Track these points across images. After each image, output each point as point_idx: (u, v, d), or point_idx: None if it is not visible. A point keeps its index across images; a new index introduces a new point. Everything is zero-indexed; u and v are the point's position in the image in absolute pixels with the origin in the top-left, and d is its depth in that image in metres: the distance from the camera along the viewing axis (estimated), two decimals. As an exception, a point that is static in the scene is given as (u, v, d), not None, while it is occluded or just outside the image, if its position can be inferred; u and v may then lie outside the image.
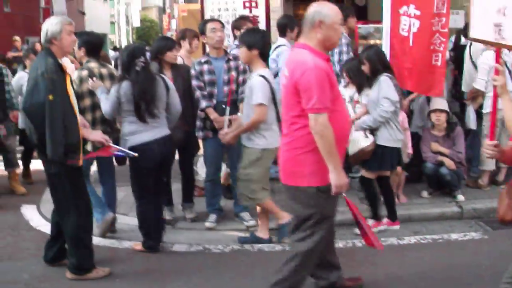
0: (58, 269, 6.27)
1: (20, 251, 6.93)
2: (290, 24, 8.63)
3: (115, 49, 22.17)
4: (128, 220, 7.81)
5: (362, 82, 7.58)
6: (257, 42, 6.53)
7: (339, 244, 6.89)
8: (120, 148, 6.33)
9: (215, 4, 9.66)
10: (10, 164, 9.45)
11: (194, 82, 7.25)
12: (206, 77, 7.21)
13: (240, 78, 7.28)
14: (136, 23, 38.26)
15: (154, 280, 6.07)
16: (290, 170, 4.87)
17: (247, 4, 9.61)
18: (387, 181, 7.30)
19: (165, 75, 7.20)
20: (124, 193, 8.37)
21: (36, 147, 5.83)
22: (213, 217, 7.53)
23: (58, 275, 6.14)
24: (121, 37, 16.70)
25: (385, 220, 7.36)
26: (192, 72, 7.31)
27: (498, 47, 4.59)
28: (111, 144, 6.23)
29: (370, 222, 7.22)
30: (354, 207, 5.17)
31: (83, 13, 35.24)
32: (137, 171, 6.50)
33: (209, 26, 7.30)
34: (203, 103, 7.16)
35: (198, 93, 7.22)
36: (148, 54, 6.95)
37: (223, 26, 7.53)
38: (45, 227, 7.69)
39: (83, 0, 35.15)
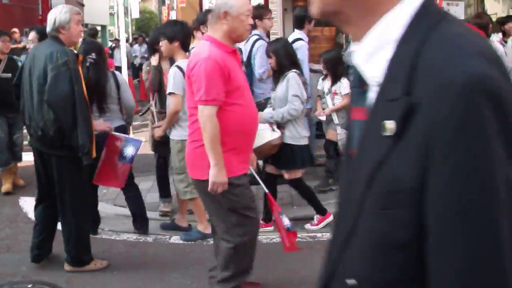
0: (57, 261, 6.27)
1: (18, 243, 6.92)
2: (309, 16, 8.59)
3: (116, 40, 22.16)
4: (127, 212, 7.79)
5: (338, 73, 7.57)
6: (178, 34, 6.60)
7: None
8: (124, 135, 6.37)
9: (214, -5, 9.62)
10: (16, 158, 9.34)
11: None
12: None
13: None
14: (136, 15, 38.12)
15: (152, 271, 6.06)
16: (191, 163, 4.86)
17: (246, -5, 9.56)
18: (301, 181, 7.18)
19: (164, 66, 7.22)
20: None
21: (50, 140, 5.64)
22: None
23: (56, 267, 6.14)
24: (120, 29, 16.69)
25: (315, 218, 7.28)
26: (190, 63, 7.27)
27: None
28: (115, 133, 6.24)
29: (316, 218, 7.22)
30: (274, 206, 5.06)
31: (82, 5, 35.18)
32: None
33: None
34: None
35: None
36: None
37: None
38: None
39: (82, -9, 35.16)
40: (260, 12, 8.51)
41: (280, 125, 6.86)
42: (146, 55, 21.39)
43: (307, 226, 7.28)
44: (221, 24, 4.61)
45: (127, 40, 19.39)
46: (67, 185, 5.80)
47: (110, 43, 23.02)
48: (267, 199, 5.20)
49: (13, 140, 9.18)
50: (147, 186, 8.89)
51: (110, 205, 8.32)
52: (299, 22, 8.66)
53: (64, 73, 5.41)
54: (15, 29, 17.30)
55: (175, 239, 6.96)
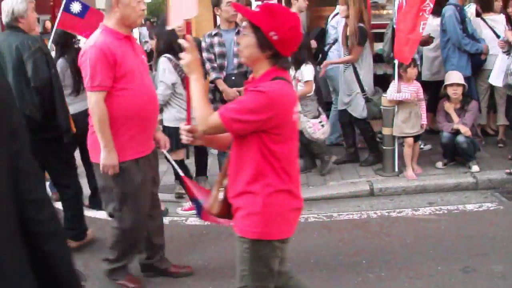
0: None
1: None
2: None
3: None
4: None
5: (300, 58, 7.53)
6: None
7: (354, 215, 6.88)
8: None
9: (227, -24, 9.54)
10: None
11: (205, 55, 7.21)
12: (216, 49, 7.17)
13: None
14: (147, -1, 38.12)
15: (169, 253, 6.04)
16: (91, 147, 4.93)
17: (259, -24, 9.50)
18: (183, 162, 7.25)
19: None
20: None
21: (38, 125, 5.63)
22: (227, 190, 7.51)
23: (76, 249, 6.16)
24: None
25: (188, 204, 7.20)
26: (203, 44, 7.26)
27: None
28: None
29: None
30: (191, 185, 5.05)
31: (94, -11, 35.16)
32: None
33: None
34: (213, 75, 7.14)
35: (208, 65, 7.19)
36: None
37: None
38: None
39: (94, -24, 35.07)
40: None
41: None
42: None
43: (178, 210, 7.31)
44: (114, 12, 4.67)
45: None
46: (55, 165, 5.99)
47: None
48: (183, 181, 5.24)
49: None
50: (163, 169, 8.86)
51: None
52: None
53: (41, 59, 5.52)
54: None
55: (192, 220, 6.97)
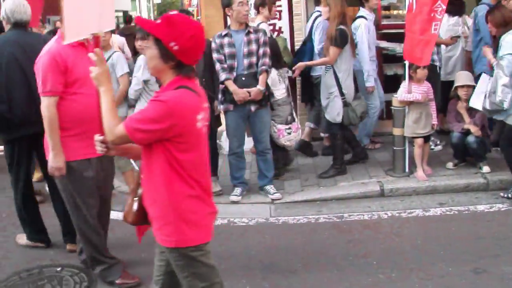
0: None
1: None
2: None
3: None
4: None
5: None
6: None
7: (364, 216, 6.88)
8: None
9: (236, -23, 9.56)
10: None
11: (215, 55, 7.21)
12: (226, 50, 7.17)
13: (260, 51, 7.21)
14: (157, 0, 38.17)
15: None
16: (46, 148, 5.10)
17: (269, -23, 9.51)
18: None
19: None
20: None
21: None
22: (238, 190, 7.53)
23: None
24: (142, 14, 16.55)
25: None
26: (213, 45, 7.26)
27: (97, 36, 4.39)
28: None
29: None
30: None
31: (104, -10, 35.24)
32: None
33: None
34: (223, 76, 7.13)
35: (218, 66, 7.19)
36: None
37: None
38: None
39: (104, -23, 35.15)
40: None
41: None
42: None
43: None
44: None
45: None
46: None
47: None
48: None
49: None
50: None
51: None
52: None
53: None
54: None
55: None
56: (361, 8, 8.75)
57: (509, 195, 7.14)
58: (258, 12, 8.48)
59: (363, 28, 8.46)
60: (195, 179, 3.41)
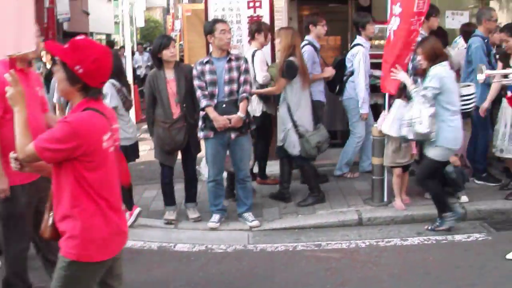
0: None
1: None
2: (361, 22, 8.77)
3: (122, 48, 22.26)
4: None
5: None
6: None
7: (342, 245, 6.89)
8: None
9: (219, 4, 9.63)
10: None
11: (196, 82, 7.24)
12: (207, 77, 7.20)
13: (241, 78, 7.26)
14: (140, 24, 38.16)
15: (157, 279, 6.07)
16: None
17: (251, 4, 9.59)
18: None
19: (168, 75, 7.27)
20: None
21: None
22: (216, 217, 7.52)
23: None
24: (125, 37, 16.72)
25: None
26: (194, 72, 7.30)
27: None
28: None
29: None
30: None
31: (87, 13, 35.20)
32: None
33: (219, 27, 7.23)
34: (204, 102, 7.15)
35: (199, 93, 7.21)
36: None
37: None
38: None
39: (88, 0, 35.15)
40: (315, 19, 8.90)
41: None
42: (149, 64, 21.28)
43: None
44: None
45: (132, 49, 19.37)
46: None
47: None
48: None
49: None
50: (152, 194, 8.90)
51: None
52: (356, 28, 8.98)
53: None
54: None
55: (180, 247, 6.97)
56: (357, 36, 8.86)
57: (433, 227, 7.19)
58: (253, 38, 8.52)
59: (360, 56, 8.56)
60: (103, 197, 3.57)
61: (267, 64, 8.49)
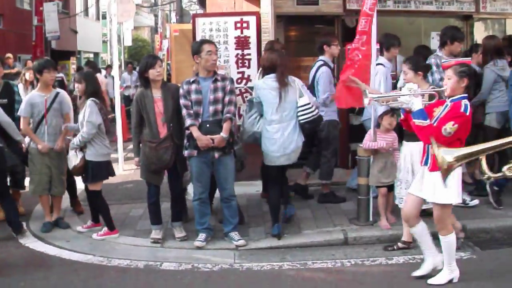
0: (45, 284, 6.28)
1: (8, 268, 6.92)
2: (386, 43, 8.82)
3: (108, 67, 22.26)
4: (118, 239, 7.83)
5: None
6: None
7: (328, 264, 6.91)
8: None
9: (207, 24, 9.71)
10: (17, 186, 9.04)
11: (182, 101, 7.29)
12: (193, 96, 7.25)
13: (226, 99, 7.32)
14: (128, 42, 38.25)
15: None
16: None
17: (239, 25, 9.68)
18: (99, 194, 8.01)
19: (155, 94, 7.33)
20: (114, 211, 8.39)
21: None
22: (202, 236, 7.54)
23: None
24: (113, 56, 16.85)
25: (104, 230, 8.00)
26: (181, 91, 7.36)
27: None
28: None
29: (104, 230, 7.98)
30: None
31: (76, 32, 35.26)
32: None
33: (206, 48, 7.30)
34: (188, 121, 7.20)
35: (184, 112, 7.26)
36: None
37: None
38: (34, 244, 7.75)
39: (76, 19, 35.21)
40: (328, 39, 9.09)
41: (82, 148, 7.87)
42: (138, 84, 21.20)
43: (94, 235, 7.98)
44: None
45: (120, 67, 19.37)
46: None
47: (103, 71, 22.95)
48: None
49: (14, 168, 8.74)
50: (139, 213, 8.91)
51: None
52: (380, 49, 8.94)
53: None
54: (9, 55, 17.35)
55: (166, 265, 6.97)
56: (380, 56, 8.82)
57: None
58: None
59: (380, 76, 8.50)
60: None
61: None
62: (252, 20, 9.73)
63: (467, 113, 5.70)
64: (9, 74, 13.86)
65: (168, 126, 7.40)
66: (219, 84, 7.30)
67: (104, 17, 40.60)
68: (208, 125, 7.20)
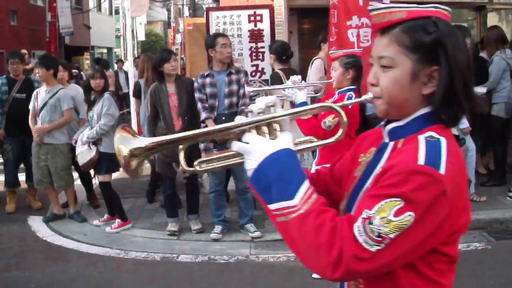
0: (64, 277, 6.35)
1: (27, 261, 7.01)
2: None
3: (119, 61, 22.29)
4: (135, 232, 7.89)
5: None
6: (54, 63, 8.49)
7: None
8: None
9: (220, 18, 9.74)
10: (31, 179, 8.99)
11: (197, 95, 7.34)
12: (208, 90, 7.30)
13: (241, 91, 7.35)
14: (141, 37, 38.31)
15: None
16: None
17: (252, 18, 9.70)
18: (109, 185, 8.15)
19: (169, 88, 7.38)
20: (130, 205, 8.46)
21: None
22: (218, 228, 7.59)
23: (64, 285, 6.22)
24: (127, 51, 16.82)
25: (117, 222, 8.07)
26: (195, 85, 7.40)
27: None
28: None
29: (117, 222, 8.06)
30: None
31: (89, 27, 35.41)
32: None
33: (220, 41, 7.36)
34: (203, 115, 7.24)
35: (199, 105, 7.31)
36: None
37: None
38: (51, 238, 7.81)
39: (89, 14, 35.35)
40: (326, 37, 8.92)
41: (96, 141, 7.98)
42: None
43: (108, 229, 8.04)
44: None
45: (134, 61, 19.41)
46: None
47: (115, 66, 23.07)
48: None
49: (29, 162, 8.92)
50: (155, 206, 8.97)
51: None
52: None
53: None
54: (24, 51, 17.47)
55: (183, 257, 7.03)
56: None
57: None
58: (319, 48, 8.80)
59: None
60: None
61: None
62: (265, 13, 9.74)
63: (349, 106, 5.45)
64: (24, 70, 13.94)
65: (183, 119, 7.45)
66: (234, 77, 7.35)
67: (117, 12, 40.63)
68: (224, 118, 7.24)
